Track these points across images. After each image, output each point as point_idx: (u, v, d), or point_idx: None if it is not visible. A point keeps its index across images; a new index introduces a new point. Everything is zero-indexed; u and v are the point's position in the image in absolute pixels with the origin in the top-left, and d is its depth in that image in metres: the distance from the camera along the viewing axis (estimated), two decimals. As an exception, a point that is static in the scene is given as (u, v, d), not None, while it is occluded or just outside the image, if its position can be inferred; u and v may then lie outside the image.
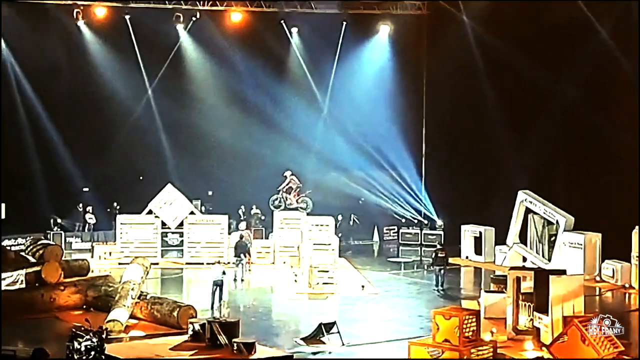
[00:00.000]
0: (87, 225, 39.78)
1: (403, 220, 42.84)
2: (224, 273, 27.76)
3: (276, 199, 37.79)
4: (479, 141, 39.05)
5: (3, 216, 39.37)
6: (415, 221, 42.61)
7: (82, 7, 40.22)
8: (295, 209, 37.58)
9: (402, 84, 42.45)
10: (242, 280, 32.02)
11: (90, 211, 39.89)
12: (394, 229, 42.63)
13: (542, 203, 32.84)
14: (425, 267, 35.28)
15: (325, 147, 42.63)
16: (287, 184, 37.75)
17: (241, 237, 33.72)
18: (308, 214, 36.98)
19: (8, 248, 33.11)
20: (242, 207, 41.14)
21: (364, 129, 42.45)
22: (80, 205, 40.56)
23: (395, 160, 42.37)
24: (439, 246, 32.18)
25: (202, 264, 34.88)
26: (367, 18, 42.62)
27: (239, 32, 41.95)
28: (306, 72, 43.39)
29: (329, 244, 31.94)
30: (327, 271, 30.70)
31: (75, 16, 40.23)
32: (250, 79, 41.89)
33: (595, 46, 33.77)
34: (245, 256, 32.58)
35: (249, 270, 33.56)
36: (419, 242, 41.20)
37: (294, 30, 42.88)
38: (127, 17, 40.70)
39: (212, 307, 27.05)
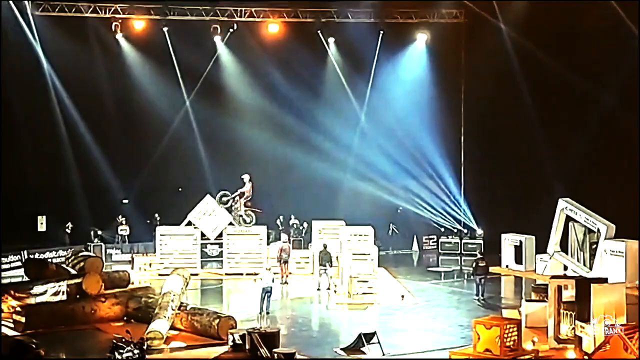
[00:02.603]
0: (121, 236, 39.97)
1: (442, 230, 42.67)
2: (273, 281, 27.88)
3: (225, 195, 37.10)
4: (518, 149, 38.81)
5: (44, 228, 39.82)
6: (455, 230, 42.41)
7: (120, 20, 40.53)
8: (239, 217, 36.88)
9: (440, 92, 42.30)
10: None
11: (124, 222, 40.03)
12: (434, 239, 42.48)
13: (582, 211, 32.43)
14: (466, 276, 35.16)
15: (363, 156, 42.57)
16: (243, 189, 37.18)
17: (282, 249, 33.97)
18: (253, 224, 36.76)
19: (49, 260, 33.40)
20: (281, 217, 41.15)
21: (401, 137, 42.33)
22: (120, 217, 40.80)
23: (434, 169, 42.22)
24: (479, 255, 32.04)
25: (242, 274, 34.99)
26: (404, 27, 42.55)
27: (276, 42, 42.05)
28: (343, 81, 43.39)
29: (368, 254, 31.81)
30: (367, 281, 30.63)
31: (113, 29, 40.54)
32: (288, 89, 41.86)
33: (633, 51, 33.44)
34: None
35: (286, 282, 33.58)
36: (459, 252, 41.06)
37: (331, 40, 42.89)
38: (165, 29, 40.96)
39: (260, 313, 27.17)
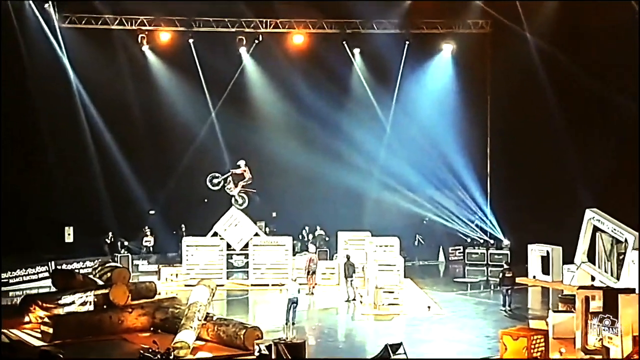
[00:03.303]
0: (146, 247, 40.08)
1: (469, 240, 42.50)
2: (299, 291, 27.89)
3: (215, 177, 37.35)
4: (545, 159, 38.62)
5: (71, 239, 40.01)
6: (482, 241, 42.23)
7: (146, 32, 40.77)
8: (231, 198, 37.31)
9: (466, 103, 42.17)
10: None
11: (149, 233, 40.12)
12: (460, 249, 42.31)
13: (609, 221, 32.25)
14: (492, 287, 35.02)
15: (389, 167, 42.49)
16: (239, 172, 37.22)
17: (310, 260, 34.10)
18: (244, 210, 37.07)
19: (76, 271, 33.56)
20: (306, 228, 41.17)
21: (427, 147, 42.20)
22: (146, 227, 40.95)
23: (460, 179, 42.06)
24: (505, 266, 31.92)
25: (267, 285, 35.03)
26: (430, 37, 42.50)
27: (301, 53, 42.14)
28: (369, 92, 43.36)
29: (394, 265, 31.73)
30: (393, 292, 30.56)
31: (140, 41, 40.77)
32: (314, 100, 41.83)
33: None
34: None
35: (312, 293, 33.56)
36: (486, 262, 40.87)
37: (356, 50, 42.89)
38: (190, 41, 41.13)
39: (287, 323, 27.18)
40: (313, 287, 33.98)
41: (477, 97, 42.65)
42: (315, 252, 35.79)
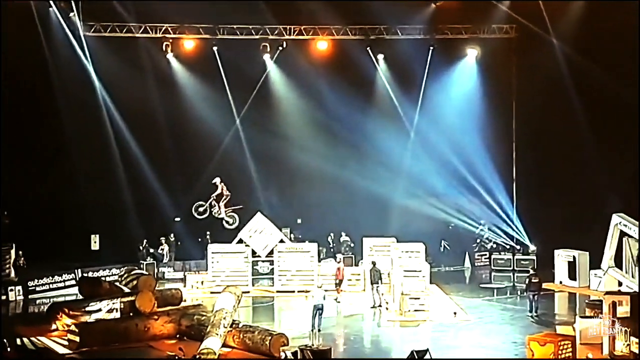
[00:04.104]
0: (161, 255, 39.98)
1: (495, 246, 42.29)
2: (324, 298, 27.87)
3: (200, 205, 37.22)
4: (571, 163, 38.40)
5: (97, 247, 40.17)
6: (508, 246, 42.01)
7: (171, 40, 40.90)
8: (221, 220, 37.27)
9: (491, 107, 42.01)
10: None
11: (163, 241, 40.03)
12: (486, 255, 42.10)
13: (637, 226, 32.07)
14: (519, 292, 34.84)
15: (414, 172, 42.36)
16: (218, 192, 37.05)
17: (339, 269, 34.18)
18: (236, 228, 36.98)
19: (103, 278, 33.69)
20: (331, 234, 41.13)
21: (452, 153, 42.07)
22: (172, 235, 41.02)
23: (485, 185, 41.83)
24: (532, 271, 31.75)
25: (293, 291, 35.01)
26: (455, 42, 42.35)
27: (326, 60, 42.11)
28: (393, 98, 43.28)
29: (420, 271, 31.63)
30: (419, 298, 30.47)
31: (164, 49, 40.90)
32: (338, 106, 41.80)
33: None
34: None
35: (338, 300, 33.48)
36: (512, 268, 40.63)
37: (380, 56, 42.80)
38: (214, 48, 41.21)
39: (312, 330, 27.16)
40: (339, 294, 33.89)
41: (502, 102, 42.47)
42: (342, 261, 35.73)
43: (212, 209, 37.05)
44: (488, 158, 41.56)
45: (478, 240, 42.53)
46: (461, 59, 42.95)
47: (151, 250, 39.67)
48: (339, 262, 35.14)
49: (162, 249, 40.01)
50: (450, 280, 38.13)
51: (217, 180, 37.24)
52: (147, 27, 40.48)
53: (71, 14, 38.97)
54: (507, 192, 42.42)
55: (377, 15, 40.46)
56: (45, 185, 38.09)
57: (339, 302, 33.26)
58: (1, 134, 36.73)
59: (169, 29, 40.70)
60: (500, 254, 41.47)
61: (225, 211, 37.19)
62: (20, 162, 37.85)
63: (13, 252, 36.92)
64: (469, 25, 41.85)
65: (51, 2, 38.37)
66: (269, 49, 41.68)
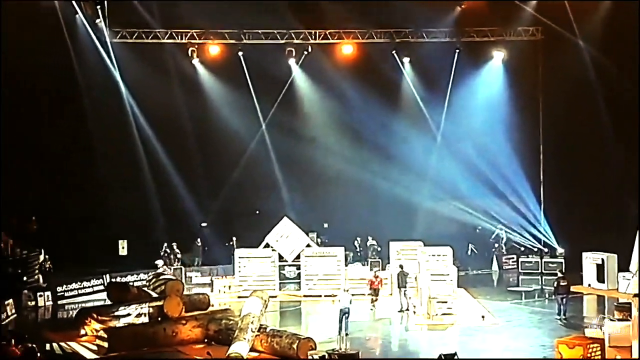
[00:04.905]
0: (171, 260, 39.53)
1: (523, 249, 42.08)
2: (350, 302, 27.83)
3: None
4: (598, 165, 38.21)
5: (125, 252, 40.31)
6: (535, 249, 41.77)
7: (196, 46, 41.03)
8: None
9: (518, 110, 41.82)
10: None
11: (175, 247, 39.90)
12: (513, 258, 41.88)
13: (666, 228, 31.84)
14: (547, 295, 34.66)
15: (440, 176, 42.28)
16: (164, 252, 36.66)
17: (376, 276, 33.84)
18: None
19: (131, 284, 33.80)
20: (358, 238, 41.07)
21: (479, 156, 41.92)
22: (199, 240, 41.11)
23: (512, 187, 41.63)
24: (560, 274, 31.54)
25: (320, 296, 34.94)
26: (481, 45, 42.19)
27: (351, 64, 42.07)
28: (419, 101, 43.21)
29: (447, 274, 31.52)
30: (446, 302, 30.37)
31: (190, 54, 41.04)
32: (363, 110, 41.85)
33: None
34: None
35: (374, 306, 33.32)
36: (540, 271, 40.40)
37: (406, 60, 42.73)
38: (240, 53, 41.30)
39: (340, 334, 27.11)
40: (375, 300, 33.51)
41: (529, 105, 42.27)
42: (378, 269, 35.18)
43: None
44: (515, 160, 41.38)
45: (496, 245, 42.34)
46: (487, 62, 42.79)
47: (178, 256, 39.70)
48: (375, 270, 34.57)
49: (177, 253, 39.77)
50: (478, 284, 38.00)
51: (159, 262, 36.18)
52: (173, 33, 40.65)
53: (97, 21, 39.17)
54: (535, 194, 42.20)
55: (403, 18, 40.45)
56: (73, 191, 38.27)
57: (373, 308, 32.69)
58: (28, 141, 37.09)
59: (195, 34, 40.83)
60: (527, 257, 41.24)
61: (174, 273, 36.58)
62: (48, 169, 38.06)
63: (41, 257, 37.24)
64: (495, 28, 41.69)
65: (78, 9, 38.58)
66: (294, 54, 41.72)
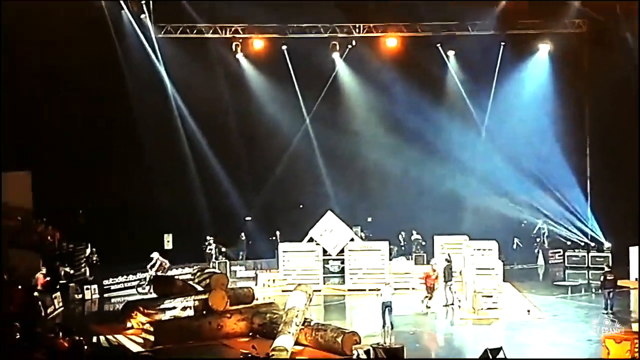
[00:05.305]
0: (210, 256, 39.76)
1: (569, 243, 41.72)
2: (392, 295, 27.82)
3: (143, 278, 36.29)
4: (645, 158, 37.76)
5: (170, 246, 40.57)
6: (582, 243, 41.39)
7: (240, 40, 41.12)
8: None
9: (564, 103, 41.44)
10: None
11: (211, 242, 40.02)
12: (560, 252, 41.54)
13: None
14: (594, 290, 34.37)
15: (486, 170, 41.96)
16: (153, 263, 36.00)
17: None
18: None
19: (176, 277, 34.01)
20: (402, 233, 40.95)
21: (524, 150, 41.60)
22: (243, 234, 41.24)
23: (558, 181, 41.27)
24: (607, 268, 31.23)
25: (364, 290, 34.88)
26: (526, 38, 41.80)
27: (395, 57, 41.88)
28: (464, 95, 42.96)
29: (493, 269, 31.34)
30: (491, 296, 30.20)
31: (234, 49, 41.14)
32: (408, 103, 41.65)
33: None
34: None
35: (428, 307, 32.76)
36: (586, 265, 40.03)
37: (451, 53, 42.53)
38: (284, 47, 41.32)
39: (384, 327, 27.13)
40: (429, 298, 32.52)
41: (575, 98, 41.90)
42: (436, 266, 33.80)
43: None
44: (561, 154, 41.02)
45: (538, 240, 42.02)
46: (533, 55, 42.42)
47: (223, 249, 39.89)
48: (433, 265, 33.22)
49: (211, 249, 39.96)
50: (524, 278, 37.74)
51: (155, 254, 36.20)
52: (217, 28, 40.76)
53: (142, 16, 39.42)
54: (581, 188, 41.81)
55: (447, 11, 40.19)
56: (119, 186, 38.55)
57: (429, 307, 31.81)
58: (75, 136, 37.46)
59: (239, 29, 40.92)
60: (574, 251, 40.88)
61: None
62: (96, 163, 38.38)
63: (88, 250, 37.61)
64: (540, 21, 41.29)
65: (123, 5, 38.85)
66: (338, 48, 41.67)
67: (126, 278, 36.49)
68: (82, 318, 32.51)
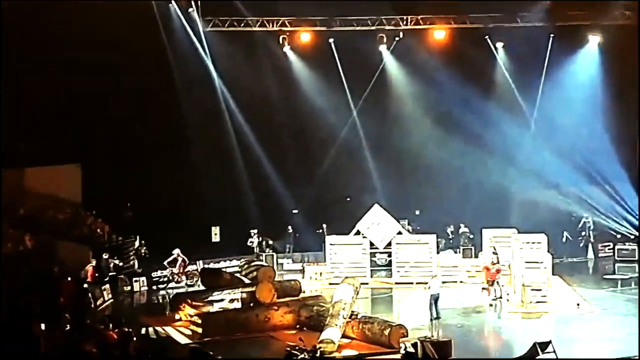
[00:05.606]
0: (251, 248, 39.77)
1: (619, 236, 41.22)
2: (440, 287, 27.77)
3: (164, 275, 36.15)
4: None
5: (218, 239, 40.76)
6: (632, 237, 40.86)
7: (287, 33, 41.10)
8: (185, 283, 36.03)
9: (614, 95, 40.85)
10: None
11: (253, 235, 40.00)
12: (610, 245, 41.04)
13: None
14: (644, 283, 33.98)
15: (534, 163, 41.56)
16: (172, 259, 35.92)
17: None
18: None
19: (223, 270, 34.16)
20: (451, 226, 40.73)
21: (574, 142, 41.13)
22: (290, 227, 41.28)
23: (608, 174, 40.78)
24: (657, 262, 30.83)
25: (412, 283, 34.79)
26: (575, 29, 41.26)
27: (443, 49, 41.52)
28: (513, 87, 42.56)
29: (542, 262, 31.06)
30: (540, 289, 29.96)
31: (281, 42, 41.13)
32: (456, 96, 41.33)
33: None
34: None
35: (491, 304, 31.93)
36: (637, 258, 39.50)
37: (499, 45, 42.13)
38: (331, 40, 41.24)
39: (432, 321, 27.09)
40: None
41: (626, 89, 41.26)
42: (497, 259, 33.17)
43: (172, 276, 36.09)
44: (612, 146, 40.47)
45: (583, 234, 41.58)
46: (583, 46, 41.91)
47: (270, 242, 39.98)
48: (495, 256, 32.76)
49: (252, 242, 39.99)
50: (573, 272, 37.36)
51: (176, 251, 36.10)
52: (264, 21, 40.76)
53: (190, 10, 39.57)
54: (632, 181, 41.25)
55: (496, 3, 39.84)
56: (168, 179, 38.77)
57: (491, 305, 31.27)
58: (124, 128, 37.73)
59: (286, 22, 40.90)
60: (624, 245, 40.40)
61: (187, 273, 36.24)
62: (144, 157, 38.63)
63: (137, 243, 37.89)
64: (590, 12, 40.76)
65: (171, -1, 39.13)
66: (385, 40, 41.45)
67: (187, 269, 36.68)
68: (131, 310, 32.77)
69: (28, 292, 26.34)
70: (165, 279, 36.07)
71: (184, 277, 36.11)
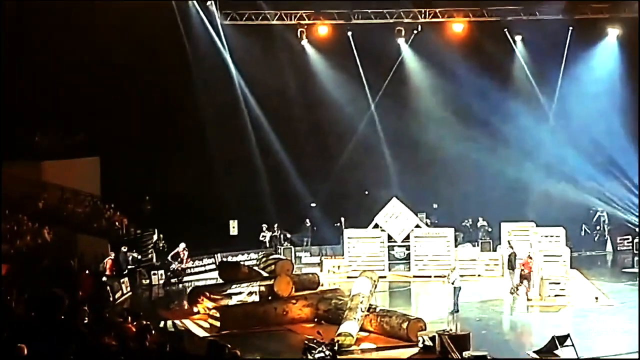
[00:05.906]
0: (262, 242, 39.83)
1: (637, 230, 41.01)
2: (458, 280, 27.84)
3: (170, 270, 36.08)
4: None
5: (236, 232, 40.84)
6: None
7: (305, 26, 41.04)
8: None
9: (634, 89, 40.62)
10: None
11: (264, 229, 40.07)
12: (629, 239, 40.83)
13: None
14: (663, 277, 33.78)
15: (553, 156, 41.44)
16: (175, 253, 35.90)
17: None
18: None
19: (241, 263, 34.23)
20: (469, 220, 40.64)
21: (593, 136, 40.86)
22: (308, 220, 41.30)
23: (627, 168, 40.54)
24: (677, 255, 30.67)
25: (430, 277, 34.79)
26: (595, 22, 41.02)
27: (461, 42, 41.33)
28: (531, 80, 42.36)
29: (560, 255, 30.97)
30: (559, 283, 29.89)
31: (299, 35, 41.08)
32: (474, 89, 41.14)
33: None
34: None
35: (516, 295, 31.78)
36: (656, 252, 39.38)
37: (518, 38, 41.91)
38: (349, 33, 41.16)
39: (452, 312, 27.43)
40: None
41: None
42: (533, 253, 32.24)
43: (175, 270, 36.12)
44: (631, 140, 40.24)
45: (598, 228, 41.40)
46: (602, 39, 41.69)
47: (288, 236, 40.01)
48: (530, 253, 31.73)
49: (264, 236, 40.01)
50: (592, 265, 37.24)
51: (182, 245, 36.11)
52: (282, 14, 40.71)
53: (208, 3, 39.60)
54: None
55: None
56: (186, 172, 38.84)
57: (517, 295, 31.00)
58: (141, 123, 37.83)
59: (304, 15, 40.85)
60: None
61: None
62: (162, 150, 38.73)
63: (155, 236, 38.00)
64: (610, 5, 40.52)
65: (190, -7, 39.16)
66: (403, 33, 41.30)
67: (192, 264, 36.79)
68: (149, 303, 32.90)
69: (49, 285, 26.44)
70: (169, 273, 36.10)
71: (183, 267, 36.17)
